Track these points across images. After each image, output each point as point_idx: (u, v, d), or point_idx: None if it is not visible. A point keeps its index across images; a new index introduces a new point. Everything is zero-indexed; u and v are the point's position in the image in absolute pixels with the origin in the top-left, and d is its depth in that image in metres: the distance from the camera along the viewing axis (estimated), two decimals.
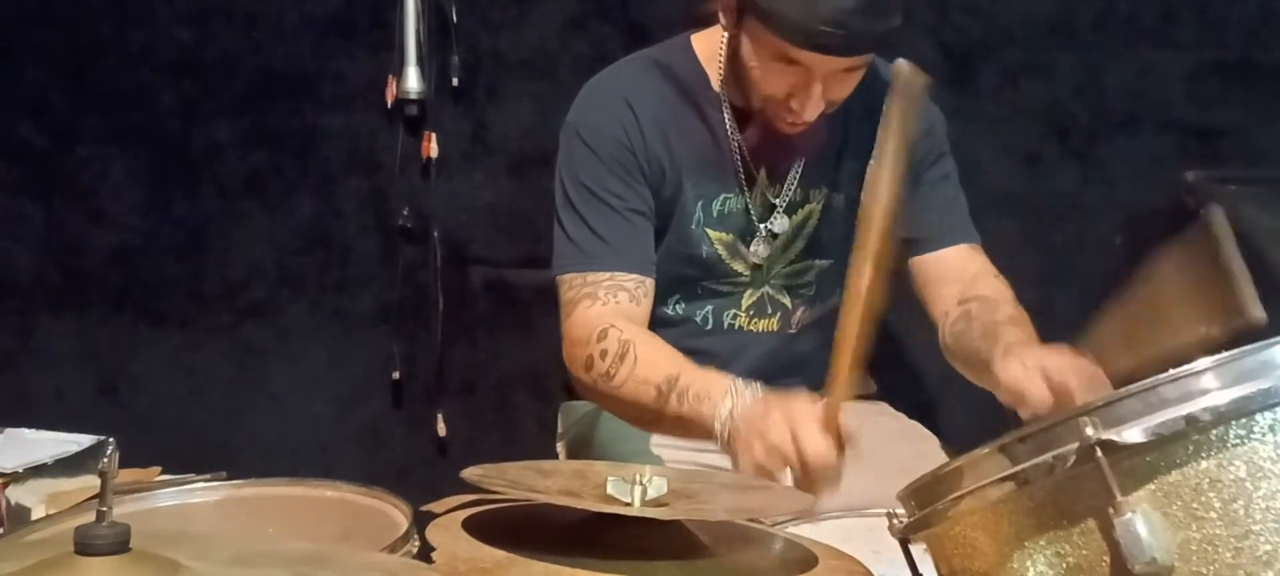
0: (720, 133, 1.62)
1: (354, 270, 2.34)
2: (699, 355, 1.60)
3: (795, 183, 1.65)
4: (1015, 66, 2.23)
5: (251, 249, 2.34)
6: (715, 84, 1.63)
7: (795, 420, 1.30)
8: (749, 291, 1.68)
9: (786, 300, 1.69)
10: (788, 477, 1.28)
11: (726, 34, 1.56)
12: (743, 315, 1.68)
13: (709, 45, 1.63)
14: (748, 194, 1.63)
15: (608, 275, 1.57)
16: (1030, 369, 1.38)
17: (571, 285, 1.59)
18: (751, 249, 1.65)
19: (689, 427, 1.44)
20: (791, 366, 1.69)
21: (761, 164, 1.63)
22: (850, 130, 1.64)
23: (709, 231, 1.63)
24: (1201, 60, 2.15)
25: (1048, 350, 1.43)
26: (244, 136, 2.32)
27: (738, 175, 1.63)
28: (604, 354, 1.51)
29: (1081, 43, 2.18)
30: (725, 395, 1.39)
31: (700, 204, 1.62)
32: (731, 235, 1.64)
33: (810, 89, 1.47)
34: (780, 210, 1.64)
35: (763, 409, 1.34)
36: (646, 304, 1.59)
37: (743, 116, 1.61)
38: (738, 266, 1.66)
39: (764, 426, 1.31)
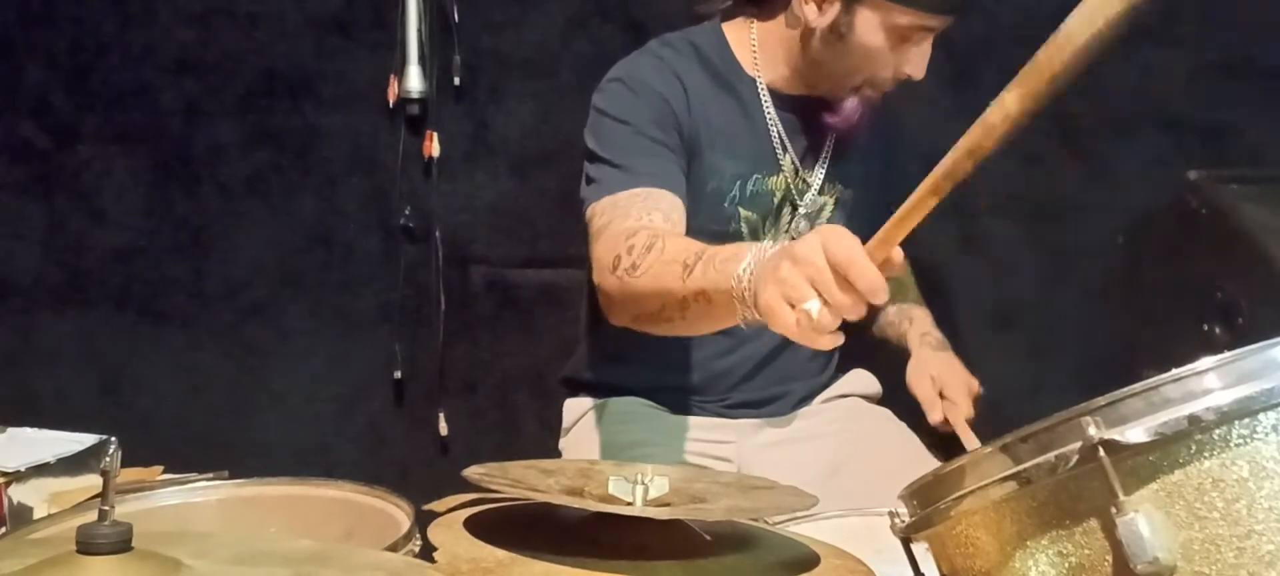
0: (756, 115, 1.70)
1: (356, 270, 2.34)
2: (718, 333, 1.64)
3: (825, 168, 1.73)
4: (1017, 65, 2.22)
5: (253, 248, 2.34)
6: (749, 71, 1.70)
7: (826, 231, 1.17)
8: None
9: None
10: (814, 308, 1.12)
11: (816, 27, 1.60)
12: None
13: (738, 34, 1.72)
14: (780, 173, 1.70)
15: (643, 192, 1.54)
16: (923, 369, 1.77)
17: (603, 211, 1.55)
18: (792, 226, 1.72)
19: (712, 303, 1.30)
20: (808, 350, 1.75)
21: (795, 146, 1.71)
22: (866, 140, 1.74)
23: (741, 209, 1.69)
24: (1203, 59, 2.15)
25: (940, 359, 1.78)
26: (246, 136, 2.32)
27: (772, 156, 1.70)
28: (631, 249, 1.44)
29: None
30: (751, 251, 1.26)
31: (738, 183, 1.68)
32: (756, 215, 1.70)
33: (923, 49, 1.59)
34: (814, 191, 1.73)
35: (789, 245, 1.21)
36: (680, 230, 1.54)
37: (781, 103, 1.70)
38: None
39: (793, 251, 1.17)
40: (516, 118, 2.28)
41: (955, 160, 1.14)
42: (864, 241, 1.74)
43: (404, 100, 2.26)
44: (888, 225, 1.18)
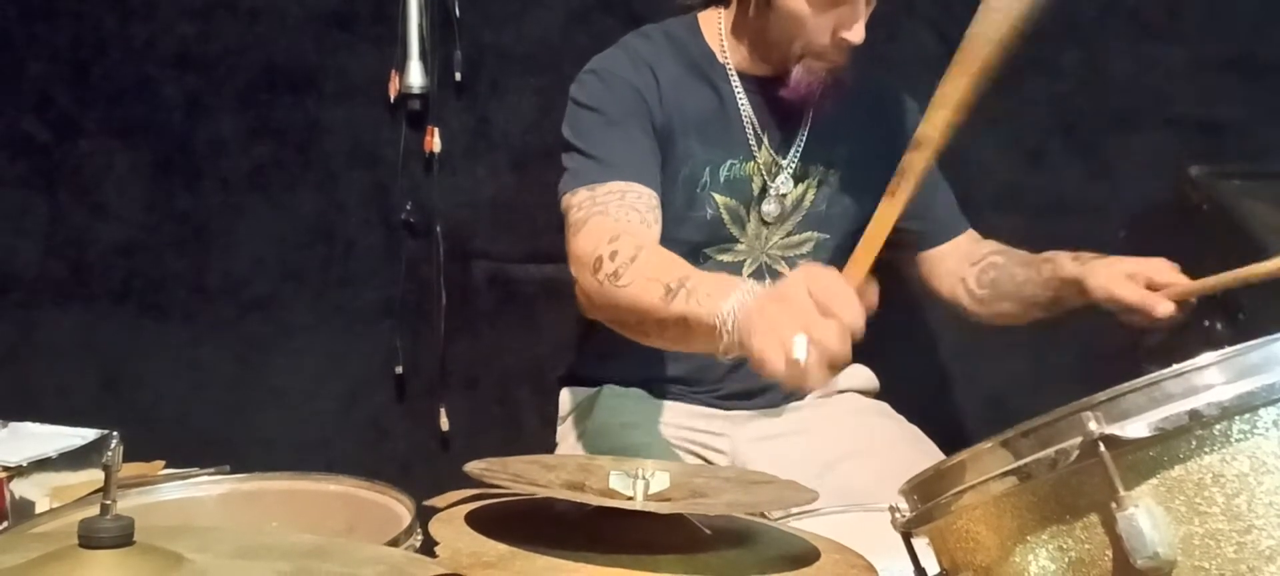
0: (729, 102, 1.72)
1: (357, 265, 2.34)
2: None
3: (800, 151, 1.74)
4: (1018, 60, 2.21)
5: (254, 243, 2.34)
6: (721, 58, 1.73)
7: (809, 272, 1.20)
8: (748, 260, 1.74)
9: (785, 270, 1.75)
10: (801, 347, 1.14)
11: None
12: None
13: (711, 24, 1.75)
14: (755, 160, 1.72)
15: (620, 187, 1.56)
16: (1116, 274, 1.59)
17: (580, 205, 1.56)
18: (763, 209, 1.72)
19: (691, 331, 1.34)
20: None
21: (769, 131, 1.73)
22: (847, 123, 1.75)
23: (715, 195, 1.70)
24: (1206, 55, 2.15)
25: (1117, 260, 1.62)
26: (247, 131, 2.32)
27: (746, 142, 1.71)
28: (615, 254, 1.45)
29: (1085, 37, 2.18)
30: (735, 290, 1.28)
31: (708, 168, 1.70)
32: (735, 200, 1.72)
33: (855, 9, 1.59)
34: (788, 173, 1.73)
35: (773, 288, 1.25)
36: (656, 229, 1.56)
37: (751, 87, 1.72)
38: (737, 232, 1.72)
39: (777, 292, 1.21)
40: (518, 112, 2.28)
41: (905, 156, 1.18)
42: (855, 226, 1.77)
43: (405, 95, 2.25)
44: (857, 250, 1.21)
